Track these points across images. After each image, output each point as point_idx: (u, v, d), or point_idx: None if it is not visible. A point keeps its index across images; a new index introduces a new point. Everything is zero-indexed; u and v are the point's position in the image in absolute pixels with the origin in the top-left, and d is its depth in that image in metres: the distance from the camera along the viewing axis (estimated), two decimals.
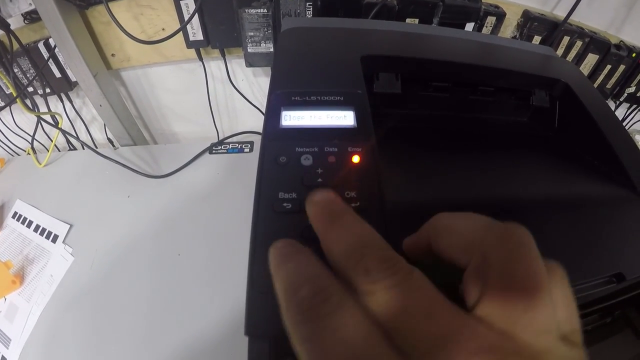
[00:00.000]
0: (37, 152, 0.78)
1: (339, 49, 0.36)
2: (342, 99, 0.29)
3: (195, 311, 0.50)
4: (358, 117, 0.28)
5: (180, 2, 0.59)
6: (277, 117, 0.27)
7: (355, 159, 0.25)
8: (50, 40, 0.66)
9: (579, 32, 0.66)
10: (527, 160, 0.38)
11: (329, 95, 0.29)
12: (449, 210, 0.19)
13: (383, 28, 0.43)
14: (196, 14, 0.60)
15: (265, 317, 0.20)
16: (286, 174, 0.24)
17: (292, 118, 0.27)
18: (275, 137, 0.26)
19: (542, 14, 0.65)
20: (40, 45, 0.66)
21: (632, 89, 0.76)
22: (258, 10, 0.59)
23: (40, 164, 0.74)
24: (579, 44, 0.67)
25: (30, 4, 0.59)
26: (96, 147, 0.75)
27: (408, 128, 0.39)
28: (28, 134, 0.81)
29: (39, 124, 0.77)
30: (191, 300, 0.51)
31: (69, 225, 0.62)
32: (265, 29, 0.61)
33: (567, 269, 0.16)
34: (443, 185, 0.31)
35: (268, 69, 0.74)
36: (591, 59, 0.69)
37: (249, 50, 0.64)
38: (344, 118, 0.27)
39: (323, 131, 0.26)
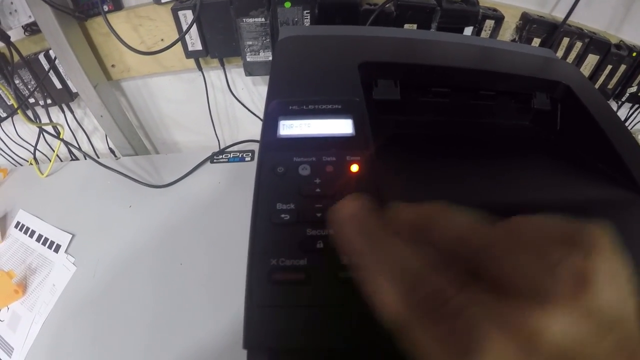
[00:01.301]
0: (39, 162, 0.78)
1: (337, 56, 0.36)
2: (340, 107, 0.28)
3: (197, 321, 0.50)
4: (356, 125, 0.27)
5: (179, 12, 0.59)
6: (275, 127, 0.27)
7: (354, 168, 0.24)
8: (51, 52, 0.66)
9: (578, 33, 0.65)
10: (529, 164, 0.37)
11: (327, 104, 0.28)
12: None
13: (381, 34, 0.43)
14: (194, 24, 0.60)
15: (264, 329, 0.20)
16: (284, 184, 0.24)
17: (290, 127, 0.27)
18: (272, 147, 0.26)
19: (540, 16, 0.64)
20: (41, 57, 0.67)
21: (634, 89, 0.76)
22: (256, 20, 0.59)
23: (42, 174, 0.75)
24: (578, 45, 0.66)
25: (30, 17, 0.60)
26: (98, 157, 0.75)
27: (408, 134, 0.39)
28: (30, 145, 0.81)
29: (41, 135, 0.77)
30: (193, 310, 0.51)
31: (71, 235, 0.62)
32: (264, 38, 0.61)
33: None
34: (444, 191, 0.31)
35: (267, 78, 0.74)
36: (592, 59, 0.69)
37: (248, 59, 0.64)
38: (342, 126, 0.27)
39: (321, 140, 0.26)
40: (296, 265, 0.21)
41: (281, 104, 0.29)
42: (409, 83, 0.37)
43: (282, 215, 0.22)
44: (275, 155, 0.25)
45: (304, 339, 0.19)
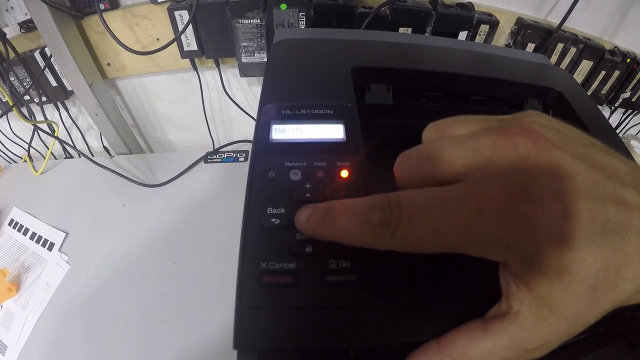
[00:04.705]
0: (33, 159, 0.78)
1: (330, 61, 0.36)
2: (332, 112, 0.29)
3: (189, 320, 0.50)
4: (347, 131, 0.28)
5: (175, 12, 0.59)
6: (267, 131, 0.27)
7: (344, 173, 0.25)
8: (46, 50, 0.66)
9: (572, 39, 0.66)
10: None
11: (319, 109, 0.29)
12: None
13: (375, 38, 0.43)
14: (190, 24, 0.60)
15: (254, 330, 0.20)
16: (275, 189, 0.24)
17: (282, 132, 0.27)
18: (264, 151, 0.26)
19: (535, 21, 0.65)
20: (37, 54, 0.66)
21: (627, 94, 0.76)
22: (251, 21, 0.59)
23: (36, 171, 0.74)
24: (573, 50, 0.67)
25: (26, 14, 0.60)
26: (92, 156, 0.75)
27: (400, 139, 0.39)
28: (25, 142, 0.81)
29: (36, 132, 0.77)
30: (186, 309, 0.51)
31: (64, 234, 0.62)
32: (259, 39, 0.61)
33: None
34: None
35: (262, 79, 0.74)
36: (585, 65, 0.69)
37: (243, 60, 0.64)
38: (333, 132, 0.27)
39: (312, 145, 0.26)
40: (285, 269, 0.21)
41: (274, 108, 0.29)
42: (401, 88, 0.37)
43: (273, 220, 0.23)
44: (267, 160, 0.25)
45: (293, 340, 0.20)
